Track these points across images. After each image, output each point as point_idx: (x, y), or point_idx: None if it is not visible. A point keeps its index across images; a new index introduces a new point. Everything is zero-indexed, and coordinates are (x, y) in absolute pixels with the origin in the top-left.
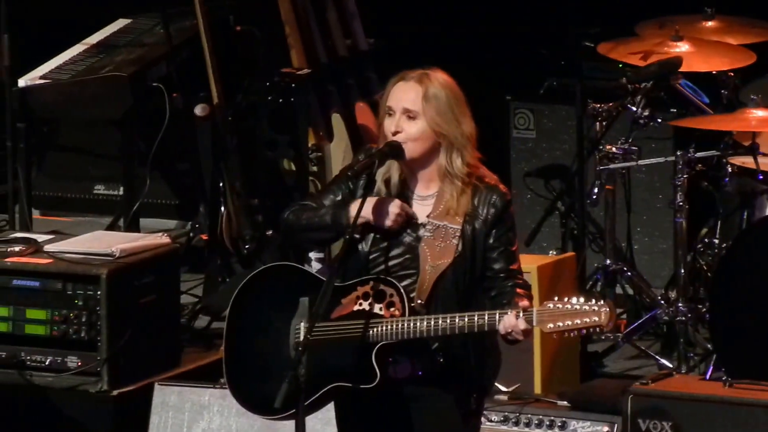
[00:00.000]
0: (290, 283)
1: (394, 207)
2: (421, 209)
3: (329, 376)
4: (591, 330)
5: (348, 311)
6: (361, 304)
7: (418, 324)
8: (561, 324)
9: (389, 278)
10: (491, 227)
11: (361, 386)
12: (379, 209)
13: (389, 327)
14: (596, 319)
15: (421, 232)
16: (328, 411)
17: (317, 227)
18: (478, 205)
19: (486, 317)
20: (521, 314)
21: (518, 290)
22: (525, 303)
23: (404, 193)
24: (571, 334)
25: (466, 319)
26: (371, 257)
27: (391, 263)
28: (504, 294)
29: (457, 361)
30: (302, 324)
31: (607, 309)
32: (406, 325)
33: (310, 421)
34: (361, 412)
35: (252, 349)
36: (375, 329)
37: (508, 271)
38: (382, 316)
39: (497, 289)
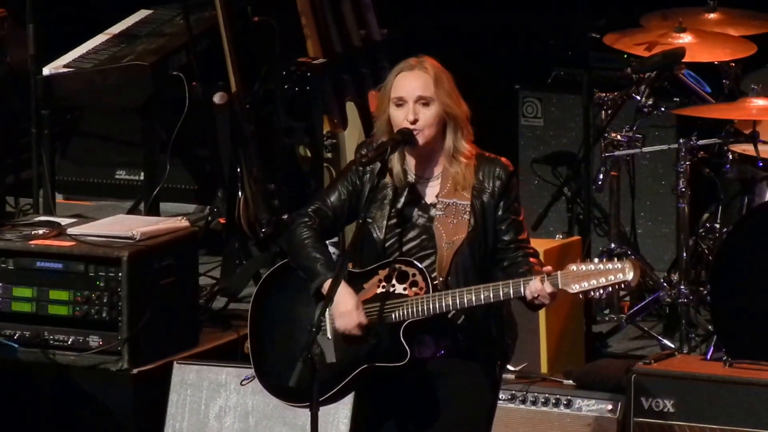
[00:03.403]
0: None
1: (353, 324)
2: (429, 190)
3: (358, 359)
4: (617, 287)
5: (371, 295)
6: (384, 287)
7: (444, 299)
8: (586, 284)
9: (410, 259)
10: (499, 199)
11: (392, 365)
12: (342, 311)
13: (416, 305)
14: (621, 275)
15: (433, 211)
16: None
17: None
18: (483, 179)
19: (511, 285)
20: (546, 278)
21: (531, 259)
22: (548, 268)
23: (408, 178)
24: (598, 292)
25: (491, 290)
26: (387, 244)
27: (408, 246)
28: (516, 264)
29: (480, 334)
30: (327, 312)
31: (631, 264)
32: (432, 301)
33: None
34: (385, 393)
35: (279, 340)
36: (401, 309)
37: (517, 242)
38: (406, 296)
39: (509, 260)
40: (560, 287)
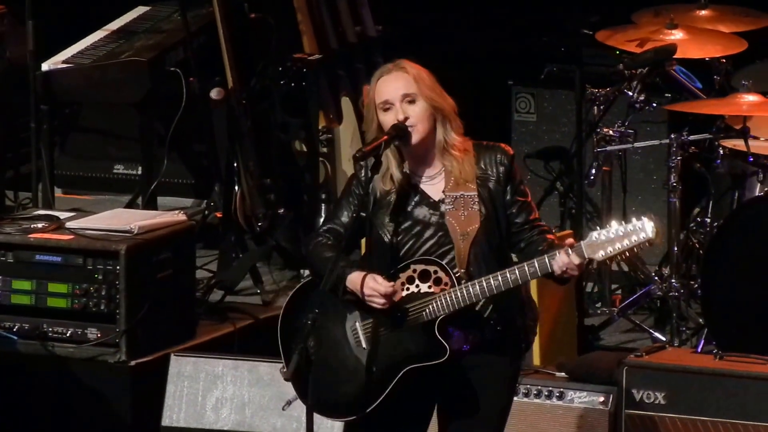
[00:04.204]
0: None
1: (377, 296)
2: (434, 188)
3: (398, 363)
4: (642, 247)
5: (398, 299)
6: (408, 289)
7: (472, 288)
8: (611, 249)
9: (428, 257)
10: (505, 184)
11: (433, 363)
12: (369, 291)
13: (445, 300)
14: (644, 235)
15: (443, 207)
16: None
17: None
18: (486, 167)
19: (536, 263)
20: (571, 250)
21: (548, 236)
22: (570, 240)
23: (411, 181)
24: (624, 255)
25: (518, 271)
26: (403, 248)
27: (427, 245)
28: (534, 242)
29: (507, 324)
30: (357, 323)
31: (651, 222)
32: (460, 293)
33: None
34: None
35: (318, 362)
36: (431, 306)
37: (530, 222)
38: (433, 293)
39: (525, 241)
40: (587, 257)
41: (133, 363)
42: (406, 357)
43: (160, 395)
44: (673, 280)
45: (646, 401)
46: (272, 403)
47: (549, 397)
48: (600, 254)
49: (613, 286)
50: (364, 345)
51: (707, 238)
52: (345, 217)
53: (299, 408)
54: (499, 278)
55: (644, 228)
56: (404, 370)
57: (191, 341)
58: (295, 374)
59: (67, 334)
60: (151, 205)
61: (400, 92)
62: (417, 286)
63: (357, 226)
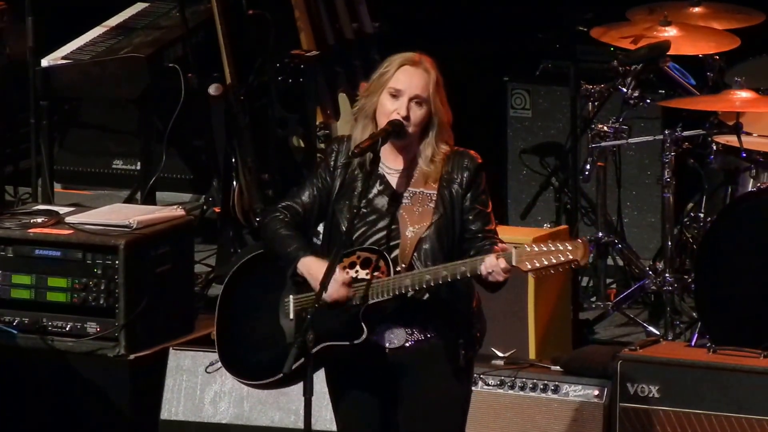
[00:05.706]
0: (277, 267)
1: (339, 287)
2: (399, 181)
3: (318, 338)
4: (568, 266)
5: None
6: (347, 273)
7: (403, 280)
8: (537, 263)
9: (373, 247)
10: (467, 189)
11: (348, 343)
12: (326, 281)
13: (376, 287)
14: (570, 256)
15: (402, 201)
16: None
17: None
18: (452, 171)
19: (468, 264)
20: (501, 255)
21: (495, 248)
22: (504, 245)
23: (378, 171)
24: (550, 271)
25: (450, 269)
26: (358, 233)
27: (377, 236)
28: (482, 252)
29: (449, 325)
30: (291, 296)
31: (581, 244)
32: (391, 283)
33: (318, 384)
34: (358, 384)
35: (245, 326)
36: (362, 292)
37: (485, 232)
38: (368, 280)
39: (476, 249)
40: (514, 264)
41: (132, 357)
42: (324, 333)
43: (159, 389)
44: (667, 275)
45: (641, 394)
46: (271, 397)
47: (544, 390)
48: (527, 265)
49: (608, 281)
50: (291, 317)
51: (701, 233)
52: (306, 197)
53: (297, 401)
54: (432, 274)
55: (574, 250)
56: (319, 345)
57: (190, 335)
58: (221, 335)
59: (67, 329)
60: (149, 200)
61: (415, 91)
62: (356, 271)
63: (314, 210)
